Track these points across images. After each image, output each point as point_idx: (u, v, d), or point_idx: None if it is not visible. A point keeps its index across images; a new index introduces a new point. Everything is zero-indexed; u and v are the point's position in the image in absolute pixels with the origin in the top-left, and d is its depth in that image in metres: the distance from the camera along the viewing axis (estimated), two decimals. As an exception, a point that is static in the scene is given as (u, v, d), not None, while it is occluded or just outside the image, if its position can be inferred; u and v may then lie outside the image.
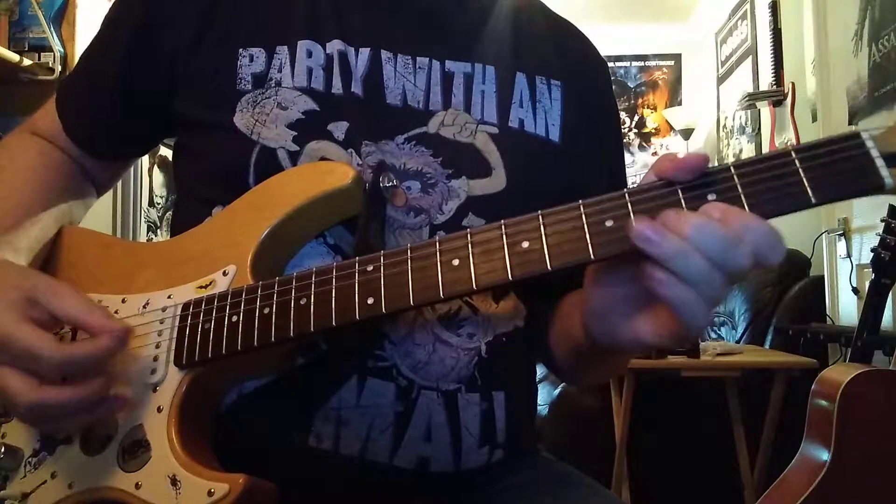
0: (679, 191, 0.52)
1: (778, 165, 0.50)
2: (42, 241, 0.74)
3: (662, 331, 0.53)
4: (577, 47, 0.87)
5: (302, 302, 0.59)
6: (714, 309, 0.51)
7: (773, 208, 0.50)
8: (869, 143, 0.49)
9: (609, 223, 0.52)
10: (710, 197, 0.51)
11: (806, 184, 0.49)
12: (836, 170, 0.49)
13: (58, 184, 0.79)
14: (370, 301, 0.57)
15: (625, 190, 0.53)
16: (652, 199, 0.52)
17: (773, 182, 0.50)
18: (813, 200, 0.49)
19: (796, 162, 0.50)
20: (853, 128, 2.32)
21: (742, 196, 0.50)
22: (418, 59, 0.74)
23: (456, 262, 0.55)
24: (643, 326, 0.54)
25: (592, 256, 0.52)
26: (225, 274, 0.64)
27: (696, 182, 0.51)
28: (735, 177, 0.51)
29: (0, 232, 0.71)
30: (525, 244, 0.54)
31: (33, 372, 0.57)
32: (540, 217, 0.54)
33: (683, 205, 0.51)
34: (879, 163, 0.48)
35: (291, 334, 0.59)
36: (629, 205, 0.52)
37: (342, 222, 0.67)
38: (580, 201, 0.54)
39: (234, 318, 0.61)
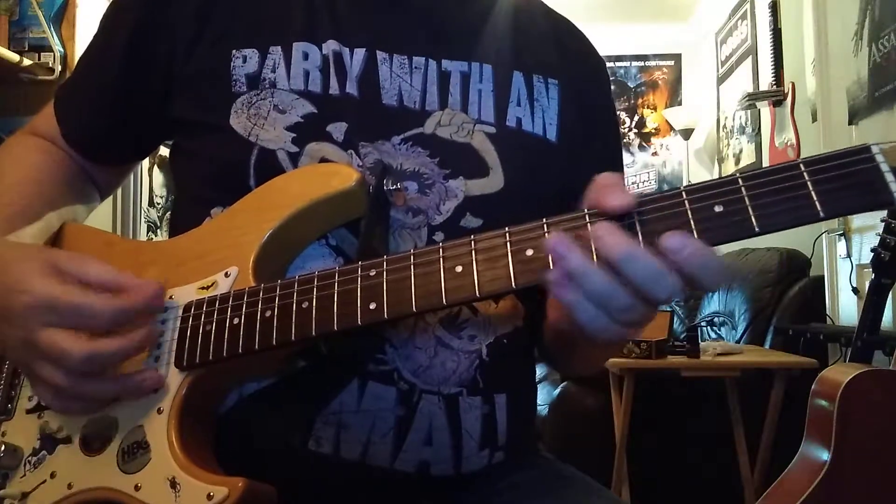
0: (686, 201, 0.52)
1: (786, 178, 0.50)
2: (45, 235, 0.74)
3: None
4: (576, 46, 0.87)
5: (304, 305, 0.59)
6: (626, 322, 0.52)
7: (780, 221, 0.50)
8: (879, 158, 0.48)
9: None
10: (717, 208, 0.51)
11: (814, 197, 0.49)
12: (845, 184, 0.49)
13: (61, 185, 0.79)
14: (372, 306, 0.57)
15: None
16: (659, 209, 0.52)
17: (781, 195, 0.50)
18: (821, 214, 0.49)
19: (805, 175, 0.49)
20: (853, 128, 2.32)
21: (749, 208, 0.50)
22: (414, 58, 0.74)
23: (459, 268, 0.55)
24: None
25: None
26: (227, 275, 0.64)
27: (703, 193, 0.51)
28: (743, 188, 0.51)
29: (6, 230, 0.71)
30: (529, 252, 0.54)
31: (81, 329, 0.59)
32: (545, 225, 0.54)
33: (690, 215, 0.51)
34: (889, 178, 0.48)
35: (293, 338, 0.59)
36: (635, 215, 0.52)
37: (345, 224, 0.67)
38: (586, 210, 0.54)
39: (236, 321, 0.61)
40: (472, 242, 0.56)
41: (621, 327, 0.52)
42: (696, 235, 0.51)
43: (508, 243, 0.54)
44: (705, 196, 0.51)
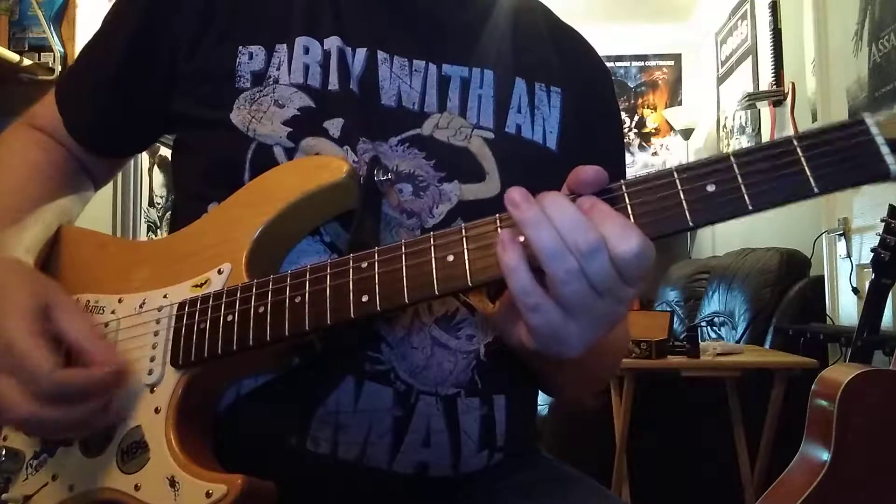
0: (677, 181, 0.50)
1: (779, 154, 0.49)
2: (44, 239, 0.74)
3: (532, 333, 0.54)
4: (578, 52, 0.86)
5: (297, 300, 0.58)
6: (567, 311, 0.51)
7: (774, 198, 0.48)
8: (874, 130, 0.47)
9: None
10: (709, 187, 0.50)
11: (808, 172, 0.48)
12: (839, 157, 0.47)
13: (59, 180, 0.79)
14: (365, 299, 0.56)
15: (622, 181, 0.52)
16: (650, 190, 0.51)
17: (774, 171, 0.48)
18: (815, 190, 0.48)
19: (798, 150, 0.48)
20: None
21: (742, 186, 0.49)
22: (415, 61, 0.74)
23: (450, 257, 0.55)
24: (522, 330, 0.56)
25: None
26: (220, 272, 0.64)
27: (694, 172, 0.50)
28: (735, 166, 0.49)
29: (7, 224, 0.71)
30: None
31: (29, 386, 0.58)
32: None
33: (682, 196, 0.50)
34: (885, 150, 0.47)
35: (286, 333, 0.58)
36: (626, 196, 0.52)
37: (338, 219, 0.67)
38: (575, 195, 0.53)
39: (230, 318, 0.61)
40: (463, 230, 0.55)
41: (559, 309, 0.51)
42: (688, 216, 0.50)
43: (499, 230, 0.54)
44: (697, 175, 0.50)
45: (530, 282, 0.51)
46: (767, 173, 0.49)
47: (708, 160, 0.50)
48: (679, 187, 0.50)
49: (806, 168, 0.48)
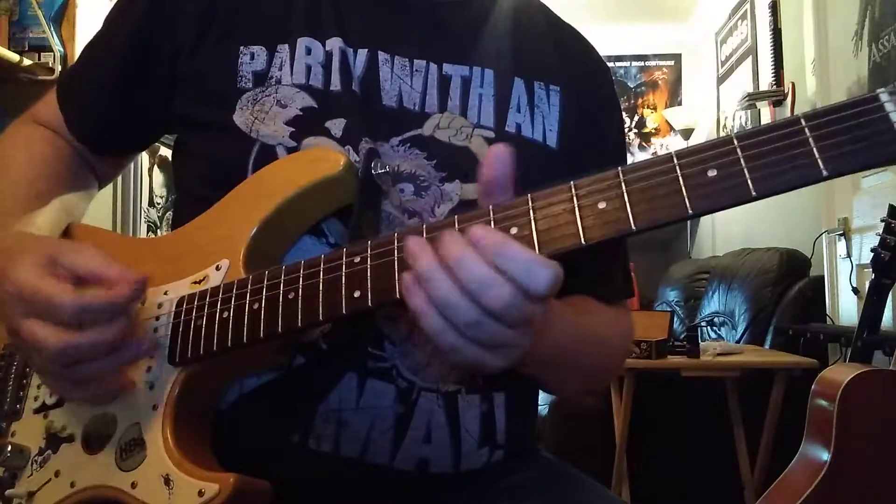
0: (677, 167, 0.48)
1: (786, 135, 0.45)
2: (56, 232, 0.75)
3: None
4: (578, 51, 0.86)
5: (290, 296, 0.58)
6: (487, 348, 0.50)
7: (779, 183, 0.45)
8: (889, 107, 0.43)
9: (602, 205, 0.49)
10: (710, 173, 0.46)
11: (816, 154, 0.44)
12: (850, 138, 0.44)
13: (65, 174, 0.80)
14: (356, 294, 0.55)
15: (619, 168, 0.50)
16: (647, 176, 0.48)
17: (779, 154, 0.45)
18: (824, 173, 0.44)
19: (806, 130, 0.44)
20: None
21: (745, 170, 0.46)
22: (416, 61, 0.74)
23: None
24: None
25: (583, 241, 0.49)
26: (218, 268, 0.64)
27: (696, 157, 0.47)
28: (738, 149, 0.46)
29: (18, 216, 0.72)
30: (514, 230, 0.51)
31: (55, 321, 0.58)
32: (530, 201, 0.51)
33: (681, 182, 0.47)
34: None
35: (279, 330, 0.58)
36: (623, 184, 0.49)
37: (341, 219, 0.67)
38: (572, 182, 0.51)
39: (225, 314, 0.60)
40: (456, 223, 0.53)
41: (478, 348, 0.50)
42: (687, 203, 0.47)
43: (493, 222, 0.52)
44: (698, 160, 0.47)
45: (441, 323, 0.49)
46: (772, 156, 0.45)
47: (709, 143, 0.48)
48: (678, 172, 0.47)
49: (814, 149, 0.44)
